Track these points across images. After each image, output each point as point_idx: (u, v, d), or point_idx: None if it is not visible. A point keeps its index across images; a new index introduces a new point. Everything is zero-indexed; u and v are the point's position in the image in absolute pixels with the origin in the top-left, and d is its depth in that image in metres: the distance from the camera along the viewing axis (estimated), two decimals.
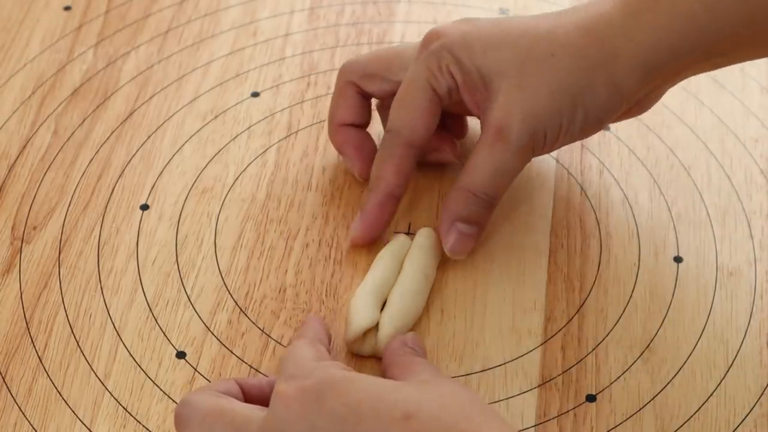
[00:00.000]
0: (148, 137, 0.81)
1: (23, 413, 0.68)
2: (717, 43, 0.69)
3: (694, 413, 0.68)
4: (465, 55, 0.71)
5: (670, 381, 0.70)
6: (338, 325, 0.71)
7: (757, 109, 0.83)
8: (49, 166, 0.80)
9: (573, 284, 0.74)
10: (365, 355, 0.70)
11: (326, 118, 0.80)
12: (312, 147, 0.81)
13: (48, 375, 0.70)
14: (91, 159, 0.80)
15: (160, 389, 0.69)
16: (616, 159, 0.80)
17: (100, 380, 0.69)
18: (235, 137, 0.81)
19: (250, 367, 0.70)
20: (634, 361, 0.70)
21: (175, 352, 0.71)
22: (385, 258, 0.72)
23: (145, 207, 0.78)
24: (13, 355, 0.71)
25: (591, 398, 0.69)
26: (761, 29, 0.69)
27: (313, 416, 0.59)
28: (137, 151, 0.81)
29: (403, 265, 0.72)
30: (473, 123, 0.79)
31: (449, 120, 0.77)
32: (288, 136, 0.82)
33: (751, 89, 0.84)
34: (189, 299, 0.73)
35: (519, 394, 0.69)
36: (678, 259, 0.75)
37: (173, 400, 0.69)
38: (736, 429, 0.68)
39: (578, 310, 0.73)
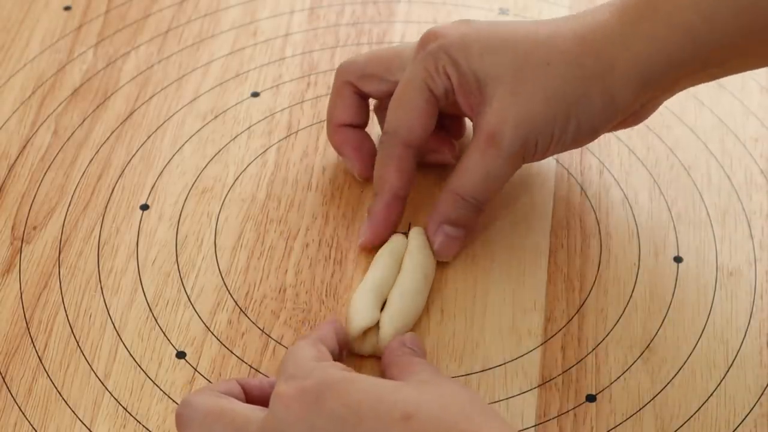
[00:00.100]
0: (148, 137, 0.81)
1: (23, 413, 0.68)
2: (714, 53, 0.69)
3: (694, 413, 0.68)
4: (462, 58, 0.71)
5: (670, 381, 0.70)
6: None
7: (757, 109, 0.83)
8: (49, 166, 0.80)
9: (573, 284, 0.74)
10: (366, 354, 0.70)
11: (326, 123, 0.80)
12: (312, 147, 0.81)
13: (48, 375, 0.70)
14: (91, 159, 0.80)
15: (160, 389, 0.69)
16: (616, 159, 0.80)
17: (100, 380, 0.69)
18: (235, 137, 0.81)
19: (250, 367, 0.70)
20: (634, 361, 0.70)
21: (175, 352, 0.71)
22: (384, 257, 0.72)
23: (145, 207, 0.78)
24: (13, 355, 0.71)
25: (591, 398, 0.69)
26: (758, 39, 0.68)
27: (313, 417, 0.60)
28: (137, 151, 0.81)
29: (403, 263, 0.72)
30: (472, 124, 0.79)
31: (447, 120, 0.77)
32: (288, 136, 0.82)
33: (751, 89, 0.84)
34: (189, 299, 0.73)
35: (519, 394, 0.69)
36: (678, 259, 0.75)
37: (173, 400, 0.69)
38: (736, 429, 0.68)
39: (578, 310, 0.73)
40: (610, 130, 0.74)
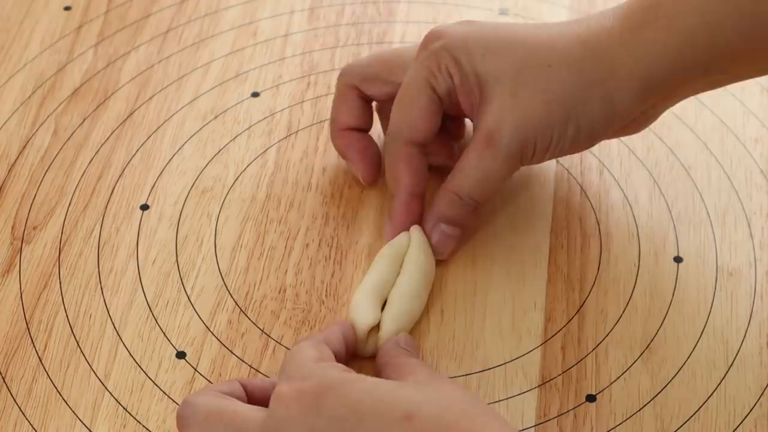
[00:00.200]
0: (148, 137, 0.81)
1: (23, 413, 0.68)
2: (716, 59, 0.69)
3: (694, 413, 0.68)
4: (464, 58, 0.71)
5: (670, 381, 0.70)
6: None
7: (757, 109, 0.83)
8: (49, 166, 0.80)
9: (573, 284, 0.74)
10: (366, 355, 0.70)
11: (326, 119, 0.80)
12: (312, 147, 0.81)
13: (48, 375, 0.70)
14: (91, 159, 0.80)
15: (160, 389, 0.69)
16: (616, 159, 0.80)
17: (100, 380, 0.69)
18: (235, 137, 0.81)
19: (250, 367, 0.70)
20: (634, 361, 0.70)
21: (175, 352, 0.71)
22: (384, 257, 0.72)
23: (145, 207, 0.78)
24: (13, 355, 0.71)
25: (591, 398, 0.69)
26: (760, 46, 0.68)
27: (313, 417, 0.60)
28: (137, 151, 0.81)
29: (403, 264, 0.72)
30: (472, 125, 0.79)
31: (447, 121, 0.77)
32: (288, 136, 0.82)
33: (751, 89, 0.84)
34: (189, 299, 0.73)
35: (519, 394, 0.69)
36: (678, 259, 0.75)
37: (173, 401, 0.69)
38: (736, 429, 0.68)
39: (578, 310, 0.73)
40: (610, 137, 0.74)
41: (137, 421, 0.68)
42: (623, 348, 0.71)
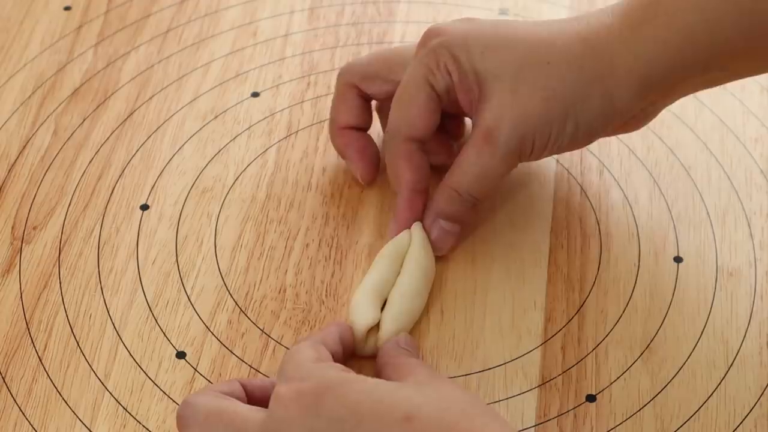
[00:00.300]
0: (148, 137, 0.81)
1: (23, 413, 0.68)
2: (715, 57, 0.69)
3: (694, 413, 0.68)
4: (463, 54, 0.71)
5: (670, 381, 0.70)
6: None
7: (757, 109, 0.83)
8: (49, 166, 0.80)
9: (573, 284, 0.74)
10: (366, 355, 0.70)
11: (326, 119, 0.80)
12: (312, 147, 0.81)
13: (48, 375, 0.70)
14: (91, 159, 0.80)
15: (160, 389, 0.69)
16: (616, 159, 0.80)
17: (100, 380, 0.69)
18: (235, 137, 0.81)
19: (250, 367, 0.70)
20: (634, 361, 0.70)
21: (175, 352, 0.71)
22: (384, 257, 0.72)
23: (145, 207, 0.78)
24: (13, 355, 0.71)
25: (591, 398, 0.69)
26: (759, 44, 0.68)
27: (312, 418, 0.60)
28: (137, 151, 0.81)
29: (404, 262, 0.72)
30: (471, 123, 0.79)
31: (446, 120, 0.77)
32: (288, 136, 0.82)
33: (751, 89, 0.84)
34: (189, 299, 0.73)
35: (519, 394, 0.69)
36: (678, 259, 0.75)
37: (173, 401, 0.69)
38: (736, 429, 0.68)
39: (578, 310, 0.73)
40: (609, 134, 0.74)
41: (137, 421, 0.68)
42: (623, 348, 0.71)
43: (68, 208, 0.77)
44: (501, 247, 0.75)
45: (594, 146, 0.80)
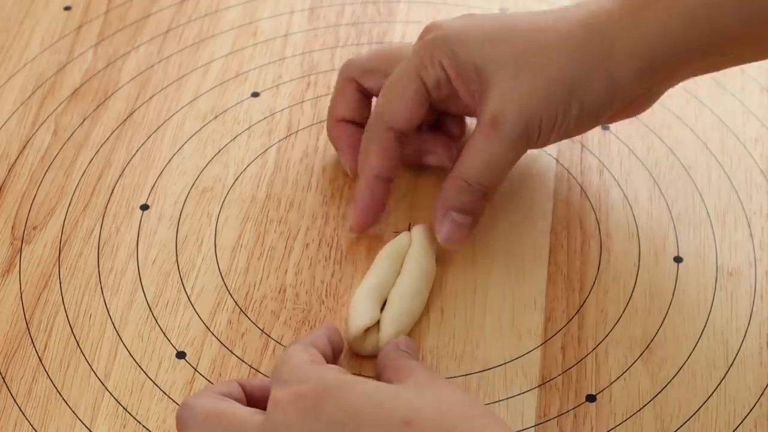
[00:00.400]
0: (148, 137, 0.81)
1: (23, 413, 0.68)
2: (715, 42, 0.69)
3: (694, 413, 0.68)
4: (461, 48, 0.71)
5: (670, 381, 0.70)
6: (338, 325, 0.71)
7: (757, 109, 0.83)
8: (49, 166, 0.80)
9: (573, 284, 0.74)
10: (366, 354, 0.70)
11: (326, 118, 0.80)
12: (312, 147, 0.81)
13: (48, 375, 0.70)
14: (91, 159, 0.80)
15: (160, 389, 0.69)
16: (616, 159, 0.80)
17: (100, 380, 0.69)
18: (235, 137, 0.81)
19: (250, 367, 0.70)
20: (634, 361, 0.70)
21: (175, 352, 0.71)
22: (384, 257, 0.72)
23: (145, 207, 0.78)
24: (13, 355, 0.71)
25: (591, 398, 0.69)
26: (760, 30, 0.69)
27: (311, 422, 0.59)
28: (137, 151, 0.81)
29: (404, 263, 0.72)
30: (472, 124, 0.79)
31: (447, 120, 0.77)
32: (288, 136, 0.82)
33: (751, 89, 0.84)
34: (189, 299, 0.73)
35: (519, 394, 0.69)
36: (678, 259, 0.75)
37: (173, 401, 0.68)
38: (736, 429, 0.68)
39: (578, 310, 0.73)
40: (612, 119, 0.74)
41: (137, 421, 0.68)
42: (623, 348, 0.71)
43: (68, 208, 0.77)
44: (501, 247, 0.75)
45: (594, 146, 0.80)
